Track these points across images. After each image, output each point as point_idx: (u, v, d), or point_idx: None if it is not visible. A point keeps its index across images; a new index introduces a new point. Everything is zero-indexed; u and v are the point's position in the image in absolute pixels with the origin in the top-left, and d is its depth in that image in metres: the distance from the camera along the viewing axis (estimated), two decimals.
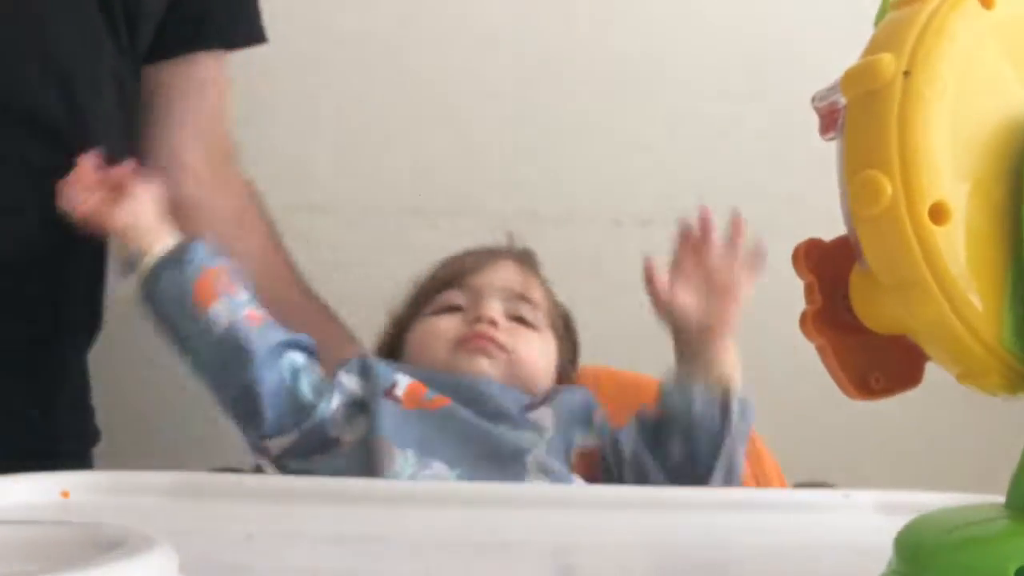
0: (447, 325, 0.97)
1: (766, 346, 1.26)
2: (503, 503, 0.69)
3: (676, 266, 0.90)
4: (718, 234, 0.89)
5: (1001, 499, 0.42)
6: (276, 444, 0.89)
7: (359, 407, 0.90)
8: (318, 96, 1.52)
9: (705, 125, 1.51)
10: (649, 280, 0.89)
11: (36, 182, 0.96)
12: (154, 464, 0.81)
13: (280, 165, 1.53)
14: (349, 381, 0.92)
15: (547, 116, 1.34)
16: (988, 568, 0.38)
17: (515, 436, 0.88)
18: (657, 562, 0.59)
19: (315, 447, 0.89)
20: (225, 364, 0.89)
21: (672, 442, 0.87)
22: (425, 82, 1.47)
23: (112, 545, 0.42)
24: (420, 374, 0.93)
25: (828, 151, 0.41)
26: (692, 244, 0.89)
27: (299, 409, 0.89)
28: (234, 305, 0.90)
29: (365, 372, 0.93)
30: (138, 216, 0.93)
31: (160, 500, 0.71)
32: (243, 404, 0.89)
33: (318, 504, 0.69)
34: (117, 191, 0.93)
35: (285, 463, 0.89)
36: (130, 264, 0.92)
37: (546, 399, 0.94)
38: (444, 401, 0.90)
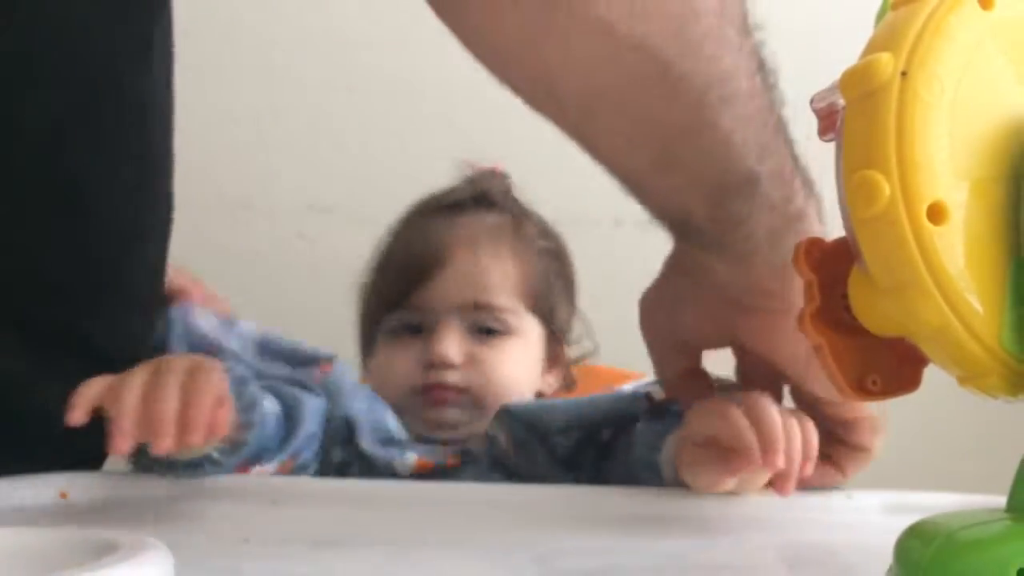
0: (403, 364, 0.87)
1: None
2: (503, 505, 0.69)
3: None
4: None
5: (1003, 501, 0.42)
6: None
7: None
8: (320, 97, 1.52)
9: None
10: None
11: None
12: None
13: (283, 166, 1.53)
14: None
15: None
16: (990, 571, 0.38)
17: None
18: (655, 564, 0.58)
19: None
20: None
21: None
22: (429, 83, 1.47)
23: (106, 550, 0.42)
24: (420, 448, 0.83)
25: (828, 152, 0.40)
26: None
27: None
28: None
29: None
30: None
31: (158, 502, 0.71)
32: None
33: (314, 507, 0.69)
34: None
35: None
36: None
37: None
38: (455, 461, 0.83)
